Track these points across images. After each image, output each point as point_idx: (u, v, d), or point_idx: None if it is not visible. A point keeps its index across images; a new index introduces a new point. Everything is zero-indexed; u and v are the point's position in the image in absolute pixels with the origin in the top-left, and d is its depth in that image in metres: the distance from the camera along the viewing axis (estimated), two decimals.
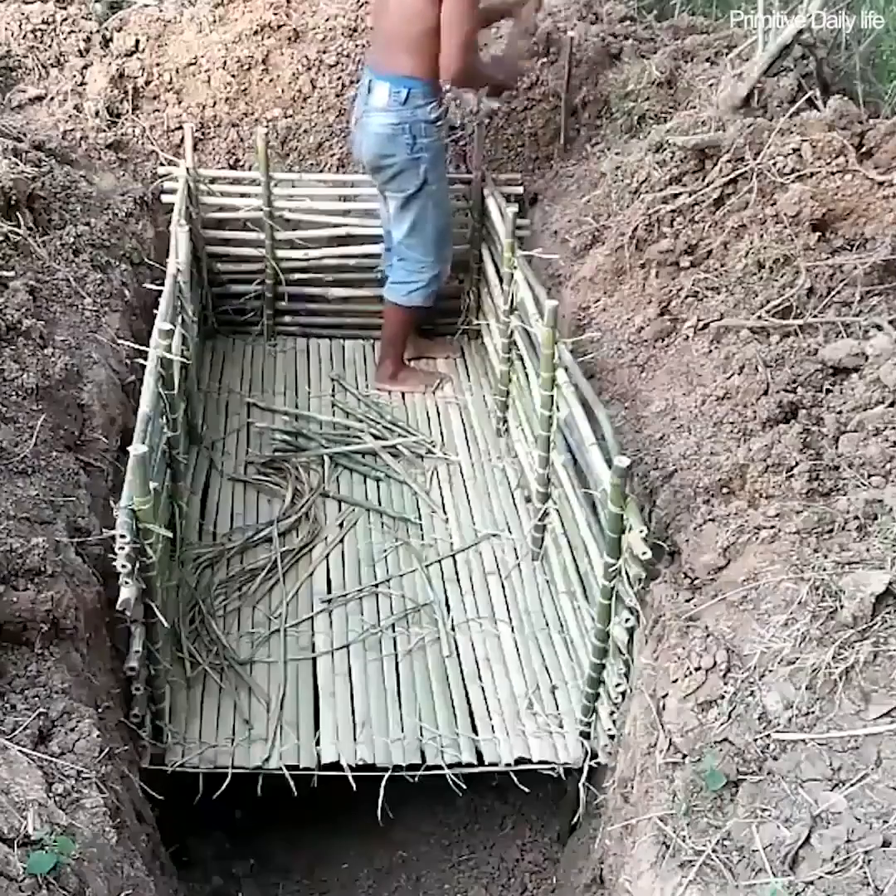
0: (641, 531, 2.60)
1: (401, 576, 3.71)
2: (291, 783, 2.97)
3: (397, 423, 4.43)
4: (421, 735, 3.15)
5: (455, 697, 3.30)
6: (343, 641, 3.44)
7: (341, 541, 3.84)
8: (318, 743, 3.10)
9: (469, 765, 3.09)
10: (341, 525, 3.90)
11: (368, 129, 4.13)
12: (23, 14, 4.82)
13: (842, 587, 2.28)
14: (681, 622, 2.53)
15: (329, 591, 3.63)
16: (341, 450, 4.21)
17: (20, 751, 2.09)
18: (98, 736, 2.26)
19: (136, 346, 3.47)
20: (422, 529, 3.93)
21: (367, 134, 4.14)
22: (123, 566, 2.54)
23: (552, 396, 3.45)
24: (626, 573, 2.73)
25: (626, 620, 2.75)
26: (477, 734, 3.18)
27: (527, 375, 3.95)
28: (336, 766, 3.02)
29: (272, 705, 3.19)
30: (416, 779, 3.05)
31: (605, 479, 2.80)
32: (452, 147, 4.74)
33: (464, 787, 3.07)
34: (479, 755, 3.12)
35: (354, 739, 3.12)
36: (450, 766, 3.07)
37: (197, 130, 4.78)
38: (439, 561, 3.79)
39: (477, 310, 4.89)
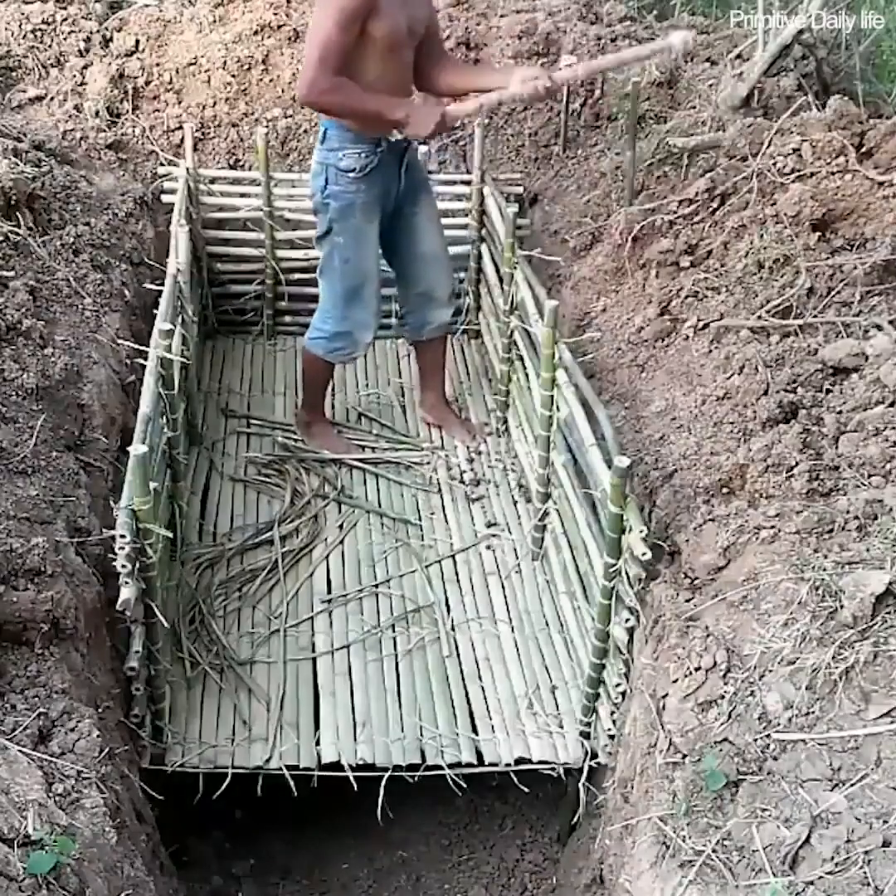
0: (641, 531, 2.60)
1: (401, 576, 3.71)
2: (291, 783, 2.97)
3: (396, 426, 4.44)
4: (421, 735, 3.15)
5: (455, 697, 3.30)
6: (343, 641, 3.44)
7: (341, 542, 3.83)
8: (318, 743, 3.10)
9: (469, 765, 3.09)
10: (341, 526, 3.90)
11: None
12: (23, 14, 4.83)
13: (842, 587, 2.28)
14: (681, 622, 2.53)
15: (329, 592, 3.63)
16: (341, 457, 4.20)
17: (20, 751, 2.09)
18: (98, 736, 2.26)
19: (136, 347, 3.47)
20: (422, 530, 3.93)
21: None
22: (123, 566, 2.54)
23: (552, 396, 3.45)
24: (626, 573, 2.73)
25: (626, 620, 2.75)
26: (477, 734, 3.18)
27: (527, 375, 3.95)
28: (336, 765, 3.02)
29: (272, 705, 3.19)
30: (416, 779, 3.06)
31: (605, 479, 2.80)
32: (452, 147, 4.74)
33: (464, 786, 3.07)
34: (479, 755, 3.12)
35: (354, 739, 3.11)
36: (450, 766, 3.07)
37: (197, 130, 4.78)
38: (439, 561, 3.79)
39: (477, 310, 4.89)
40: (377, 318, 3.95)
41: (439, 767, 3.07)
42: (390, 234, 3.89)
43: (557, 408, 3.43)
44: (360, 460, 4.20)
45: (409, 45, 3.52)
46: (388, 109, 3.45)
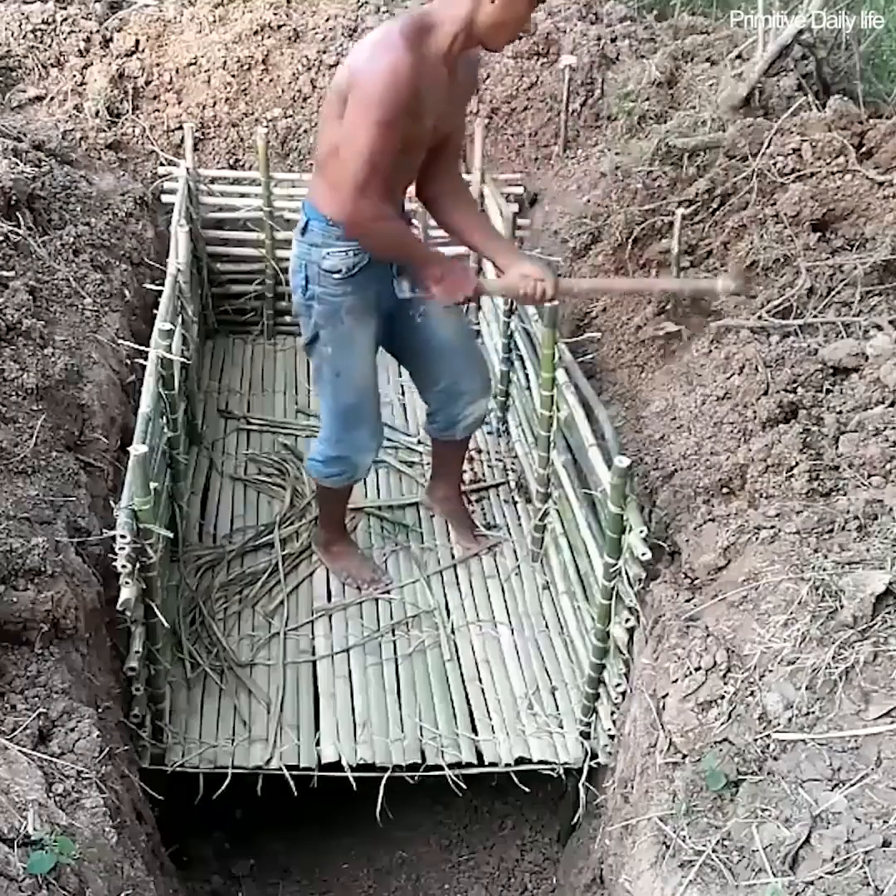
0: (641, 531, 2.60)
1: (401, 585, 3.70)
2: (291, 783, 2.97)
3: (396, 425, 4.44)
4: (421, 735, 3.15)
5: (455, 698, 3.29)
6: (343, 644, 3.44)
7: None
8: (318, 743, 3.10)
9: (469, 765, 3.09)
10: None
11: None
12: (23, 14, 4.83)
13: (842, 587, 2.28)
14: (681, 622, 2.53)
15: (329, 595, 3.62)
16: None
17: (20, 751, 2.09)
18: (98, 736, 2.26)
19: (136, 347, 3.47)
20: (421, 533, 3.92)
21: None
22: (123, 566, 2.54)
23: (552, 396, 3.45)
24: (626, 573, 2.73)
25: (626, 620, 2.75)
26: (477, 734, 3.18)
27: (527, 375, 3.95)
28: (336, 766, 3.02)
29: (272, 706, 3.19)
30: (416, 779, 3.06)
31: (605, 479, 2.80)
32: None
33: (464, 787, 3.07)
34: (479, 755, 3.12)
35: (354, 739, 3.11)
36: (450, 767, 3.07)
37: (197, 130, 4.78)
38: (440, 568, 3.78)
39: (477, 310, 4.89)
40: (378, 438, 3.36)
41: (439, 767, 3.07)
42: (396, 336, 3.28)
43: (557, 408, 3.43)
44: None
45: (427, 147, 2.92)
46: (426, 261, 2.97)
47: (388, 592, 3.60)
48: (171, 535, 3.17)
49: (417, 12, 2.77)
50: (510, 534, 3.91)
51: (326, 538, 3.68)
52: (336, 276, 2.99)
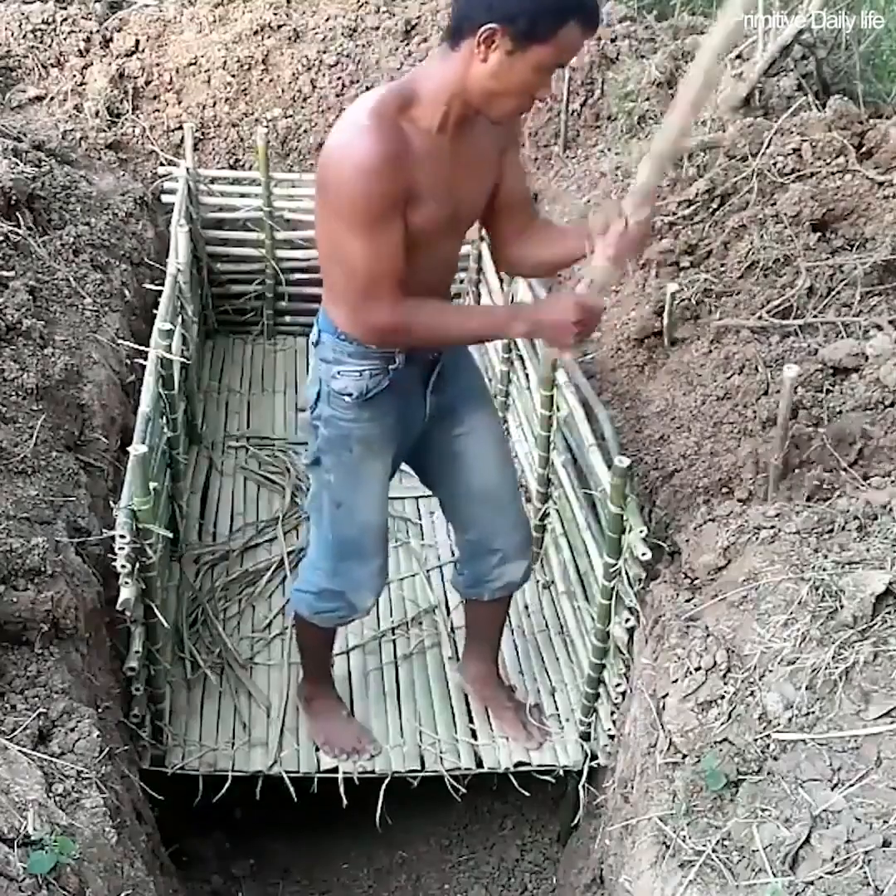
0: (641, 531, 2.60)
1: (401, 579, 3.71)
2: (291, 789, 2.97)
3: None
4: (420, 740, 3.14)
5: (454, 702, 3.29)
6: (343, 646, 3.43)
7: None
8: (317, 748, 3.09)
9: (468, 770, 3.09)
10: None
11: None
12: (23, 14, 4.83)
13: (842, 587, 2.28)
14: (681, 622, 2.53)
15: None
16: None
17: (20, 751, 2.09)
18: (98, 736, 2.26)
19: (136, 347, 3.47)
20: (422, 531, 3.92)
21: None
22: (123, 566, 2.54)
23: (552, 396, 3.45)
24: (626, 573, 2.73)
25: (626, 620, 2.75)
26: (476, 739, 3.17)
27: (527, 375, 3.95)
28: (336, 771, 3.02)
29: (272, 709, 3.18)
30: (416, 785, 3.05)
31: (605, 479, 2.80)
32: None
33: (463, 791, 3.07)
34: (479, 760, 3.11)
35: None
36: (449, 771, 3.07)
37: (197, 130, 4.78)
38: (440, 565, 3.79)
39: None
40: (380, 578, 2.84)
41: (438, 772, 3.06)
42: (426, 461, 2.80)
43: (557, 408, 3.43)
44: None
45: (452, 237, 2.41)
46: (497, 325, 2.45)
47: (372, 758, 3.07)
48: (170, 535, 3.17)
49: (402, 80, 2.26)
50: None
51: (309, 691, 3.14)
52: (347, 399, 2.47)
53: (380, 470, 2.64)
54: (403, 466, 2.82)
